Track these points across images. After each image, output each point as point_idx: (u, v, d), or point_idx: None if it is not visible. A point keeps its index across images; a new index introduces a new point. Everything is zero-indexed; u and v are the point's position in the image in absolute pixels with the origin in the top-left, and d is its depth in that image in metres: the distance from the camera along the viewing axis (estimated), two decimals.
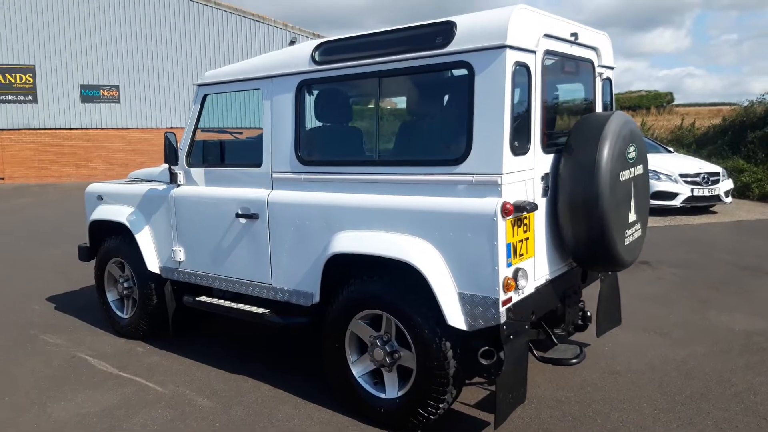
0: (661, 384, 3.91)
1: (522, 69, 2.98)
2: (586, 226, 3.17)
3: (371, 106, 3.46)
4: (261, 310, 4.00)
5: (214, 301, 4.29)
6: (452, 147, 3.10)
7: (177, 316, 4.72)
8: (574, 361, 3.22)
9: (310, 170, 3.64)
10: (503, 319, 2.93)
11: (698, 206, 11.14)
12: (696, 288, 6.21)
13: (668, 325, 5.06)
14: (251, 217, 3.90)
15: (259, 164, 3.92)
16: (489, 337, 3.12)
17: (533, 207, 2.97)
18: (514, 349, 3.04)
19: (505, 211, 2.87)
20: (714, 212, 11.31)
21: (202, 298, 4.38)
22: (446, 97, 3.44)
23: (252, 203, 3.91)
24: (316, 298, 3.61)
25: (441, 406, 3.20)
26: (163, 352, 4.69)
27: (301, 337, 4.83)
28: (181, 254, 4.44)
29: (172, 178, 4.40)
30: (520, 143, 3.00)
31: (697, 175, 10.88)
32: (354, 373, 3.52)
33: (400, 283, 3.24)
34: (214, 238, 4.18)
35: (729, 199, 11.34)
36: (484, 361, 3.06)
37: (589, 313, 3.66)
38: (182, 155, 4.36)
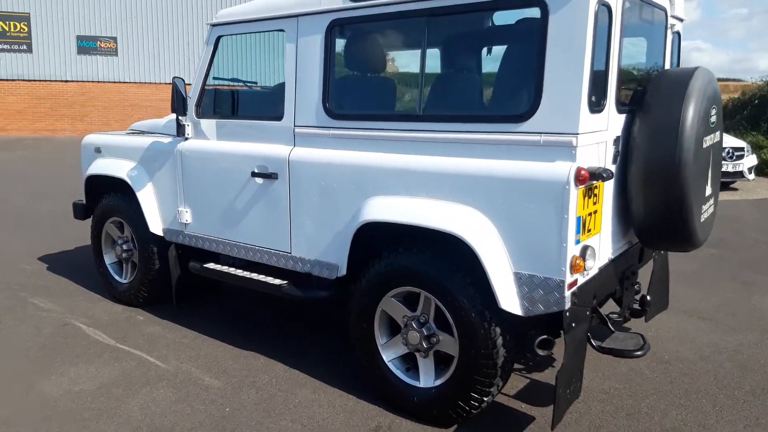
0: (717, 376, 3.53)
1: (604, 9, 2.50)
2: (662, 198, 2.73)
3: (416, 51, 2.97)
4: (278, 281, 3.57)
5: (224, 269, 3.86)
6: (515, 100, 2.65)
7: (181, 284, 4.29)
8: (638, 353, 2.83)
9: (340, 125, 3.17)
10: (568, 305, 2.52)
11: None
12: (734, 269, 5.81)
13: (711, 310, 4.67)
14: (269, 176, 3.45)
15: (279, 117, 3.44)
16: (545, 323, 2.73)
17: (609, 174, 2.52)
18: (574, 338, 2.64)
19: (580, 179, 2.43)
20: (735, 189, 10.89)
21: (211, 265, 3.96)
22: (510, 41, 2.96)
23: (270, 161, 3.45)
24: (343, 271, 3.18)
25: (485, 399, 2.81)
26: (165, 322, 4.28)
27: (317, 312, 4.42)
28: (187, 215, 3.99)
29: (180, 131, 3.92)
30: (597, 98, 2.54)
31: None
32: (384, 357, 3.12)
33: (444, 259, 2.81)
34: (226, 199, 3.73)
35: (752, 176, 10.91)
36: (541, 352, 2.66)
37: (649, 298, 3.26)
38: (191, 105, 3.88)
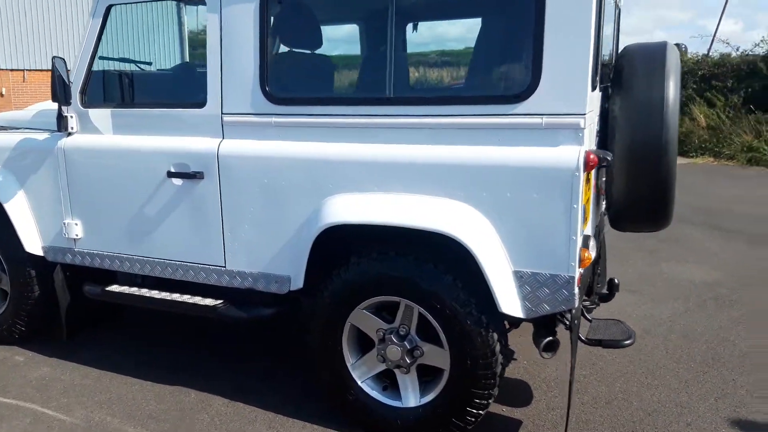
0: (668, 350, 3.58)
1: None
2: (647, 179, 2.60)
3: (381, 20, 2.55)
4: (210, 302, 3.00)
5: (138, 291, 3.18)
6: (508, 78, 2.35)
7: (71, 312, 3.51)
8: (628, 342, 2.70)
9: (285, 111, 2.67)
10: (577, 303, 2.29)
11: None
12: (637, 238, 6.10)
13: (633, 281, 4.81)
14: (191, 176, 2.85)
15: (201, 104, 2.85)
16: (541, 324, 2.50)
17: (611, 159, 2.32)
18: (576, 337, 2.43)
19: (590, 164, 2.19)
20: None
21: (117, 288, 3.25)
22: (499, 9, 2.63)
23: (192, 158, 2.85)
24: (299, 283, 2.71)
25: (482, 411, 2.53)
26: (54, 362, 3.49)
27: (246, 330, 3.85)
28: (77, 229, 3.24)
29: (61, 124, 3.14)
30: (594, 73, 2.31)
31: None
32: (356, 378, 2.71)
33: (428, 262, 2.46)
34: (132, 207, 3.06)
35: None
36: (546, 356, 2.42)
37: (616, 281, 3.17)
38: (74, 92, 3.11)
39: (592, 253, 2.35)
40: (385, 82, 2.54)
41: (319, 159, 2.58)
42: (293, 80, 2.84)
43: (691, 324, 3.94)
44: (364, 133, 2.52)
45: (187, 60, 17.45)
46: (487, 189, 2.31)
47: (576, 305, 2.28)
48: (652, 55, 2.66)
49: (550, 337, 2.40)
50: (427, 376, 2.65)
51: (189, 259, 2.99)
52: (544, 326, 2.48)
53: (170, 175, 2.90)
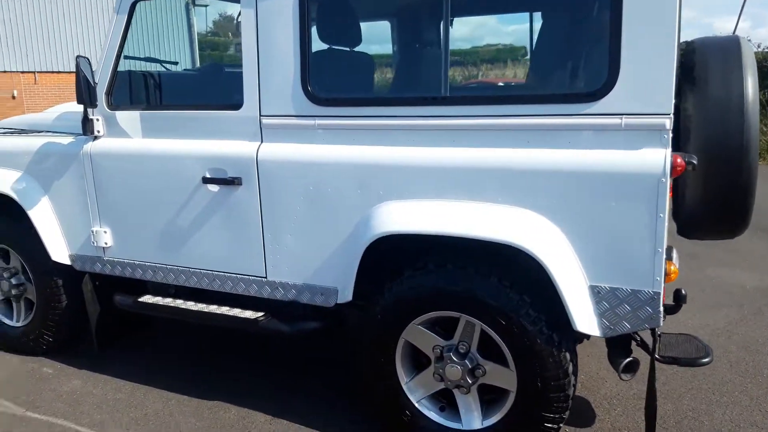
0: (731, 363, 3.35)
1: None
2: (728, 183, 2.37)
3: (435, 15, 2.34)
4: (251, 314, 2.82)
5: (173, 303, 3.01)
6: (581, 75, 2.14)
7: (103, 323, 3.35)
8: (705, 360, 2.49)
9: (330, 113, 2.47)
10: (662, 321, 2.09)
11: None
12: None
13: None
14: (229, 182, 2.67)
15: (237, 105, 2.66)
16: (617, 343, 2.30)
17: (696, 163, 2.11)
18: (654, 356, 2.23)
19: (677, 169, 1.98)
20: None
21: (150, 299, 3.08)
22: (571, 2, 2.41)
23: (229, 163, 2.67)
24: (348, 296, 2.52)
25: None
26: (85, 374, 3.34)
27: (283, 344, 3.67)
28: (106, 237, 3.07)
29: (87, 127, 2.97)
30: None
31: None
32: (411, 398, 2.53)
33: (492, 275, 2.26)
34: (164, 214, 2.89)
35: None
36: (626, 377, 2.22)
37: (683, 291, 2.95)
38: (100, 93, 2.93)
39: (676, 266, 2.14)
40: (440, 81, 2.33)
41: (370, 164, 2.39)
42: (337, 80, 2.64)
43: (750, 333, 3.71)
44: (417, 136, 2.32)
45: (197, 61, 17.33)
46: (560, 196, 2.10)
47: (661, 324, 2.07)
48: (727, 49, 2.42)
49: (630, 358, 2.19)
50: (488, 394, 2.46)
51: (227, 269, 2.81)
52: (620, 345, 2.28)
53: (206, 181, 2.72)
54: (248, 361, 3.45)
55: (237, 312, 2.85)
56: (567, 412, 2.29)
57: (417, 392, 2.53)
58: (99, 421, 2.89)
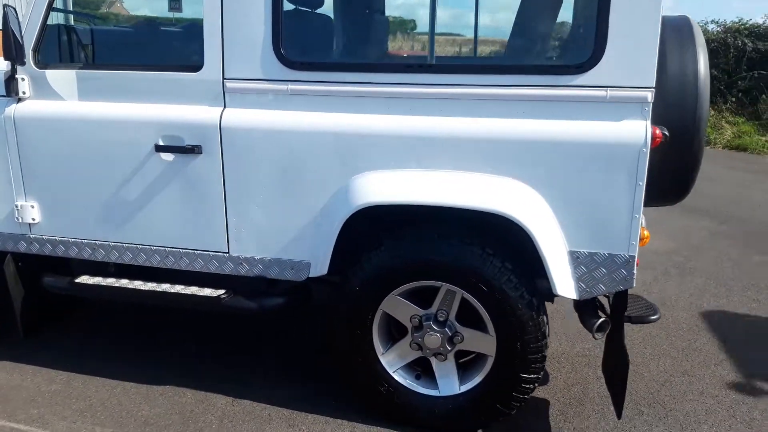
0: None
1: None
2: (677, 156, 2.56)
3: None
4: (212, 292, 2.66)
5: (118, 283, 2.76)
6: (569, 47, 2.20)
7: (28, 307, 3.02)
8: (654, 317, 2.70)
9: (303, 78, 2.35)
10: (635, 283, 2.23)
11: None
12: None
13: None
14: (186, 151, 2.48)
15: (196, 67, 2.46)
16: (589, 305, 2.44)
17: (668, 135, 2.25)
18: (624, 316, 2.39)
19: (656, 140, 2.11)
20: None
21: (88, 280, 2.81)
22: None
23: (187, 129, 2.48)
24: (323, 269, 2.45)
25: (527, 396, 2.44)
26: (10, 366, 3.01)
27: (230, 319, 3.51)
28: (33, 212, 2.76)
29: (11, 87, 2.62)
30: None
31: None
32: (388, 368, 2.52)
33: (475, 243, 2.30)
34: (106, 186, 2.64)
35: None
36: (599, 336, 2.36)
37: None
38: (27, 50, 2.59)
39: (648, 231, 2.29)
40: (426, 48, 2.30)
41: (350, 132, 2.32)
42: (314, 42, 2.52)
43: (664, 292, 4.07)
44: (400, 104, 2.28)
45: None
46: (544, 165, 2.17)
47: (634, 285, 2.22)
48: (681, 28, 2.59)
49: (603, 318, 2.33)
50: (463, 359, 2.52)
51: (182, 245, 2.63)
52: (591, 308, 2.41)
53: (159, 149, 2.51)
54: (195, 339, 3.27)
55: (195, 290, 2.68)
56: (542, 372, 2.40)
57: (393, 363, 2.54)
58: (37, 416, 2.62)
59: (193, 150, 2.47)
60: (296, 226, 2.47)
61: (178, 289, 2.69)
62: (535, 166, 2.17)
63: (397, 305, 2.45)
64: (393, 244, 2.37)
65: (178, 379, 2.89)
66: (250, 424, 2.58)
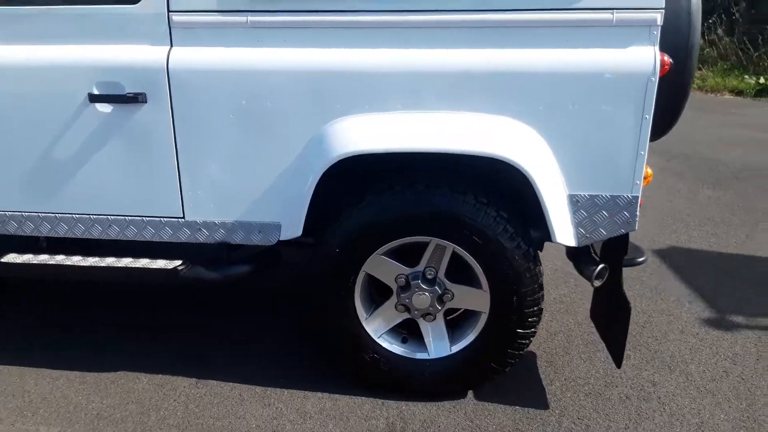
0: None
1: None
2: (670, 82, 2.43)
3: None
4: (166, 264, 2.33)
5: (54, 260, 2.37)
6: None
7: None
8: (641, 259, 2.61)
9: (268, 7, 2.02)
10: (637, 225, 2.10)
11: None
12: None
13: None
14: (128, 100, 2.11)
15: None
16: (584, 252, 2.31)
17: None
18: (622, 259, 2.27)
19: (664, 68, 1.95)
20: None
21: (16, 258, 2.40)
22: None
23: (127, 74, 2.10)
24: (296, 230, 2.18)
25: (522, 351, 2.30)
26: None
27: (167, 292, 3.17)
28: None
29: None
30: None
31: None
32: (372, 334, 2.31)
33: (467, 192, 2.09)
34: (27, 147, 2.23)
35: None
36: (598, 283, 2.23)
37: None
38: None
39: (650, 169, 2.16)
40: None
41: (324, 70, 2.02)
42: None
43: None
44: (384, 36, 2.00)
45: None
46: (544, 100, 1.96)
47: (636, 228, 2.09)
48: None
49: (602, 265, 2.20)
50: (448, 316, 2.35)
51: (128, 212, 2.28)
52: (587, 255, 2.28)
53: (93, 99, 2.12)
54: (144, 318, 2.93)
55: (146, 263, 2.34)
56: (538, 325, 2.26)
57: (378, 328, 2.33)
58: None
59: (136, 99, 2.10)
60: (263, 183, 2.18)
61: (126, 262, 2.34)
62: (535, 101, 1.97)
63: (382, 265, 2.23)
64: (377, 198, 2.12)
65: (130, 364, 2.56)
66: (220, 407, 2.32)
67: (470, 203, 2.07)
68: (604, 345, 2.65)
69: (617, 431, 2.19)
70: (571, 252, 2.36)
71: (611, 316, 2.29)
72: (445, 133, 1.98)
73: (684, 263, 3.54)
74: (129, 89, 2.10)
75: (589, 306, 2.96)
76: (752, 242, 3.86)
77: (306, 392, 2.39)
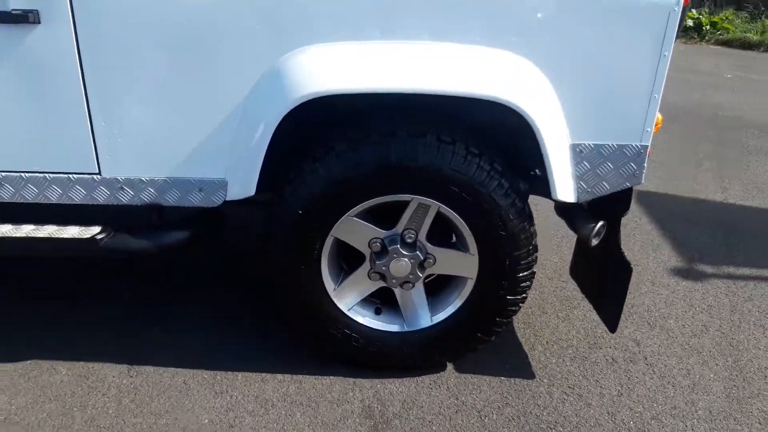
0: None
1: None
2: None
3: None
4: (81, 232, 1.87)
5: None
6: None
7: None
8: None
9: None
10: (644, 177, 1.87)
11: None
12: None
13: None
14: (17, 20, 1.59)
15: None
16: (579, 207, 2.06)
17: None
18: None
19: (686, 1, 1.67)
20: None
21: None
22: None
23: None
24: (249, 189, 1.79)
25: (510, 319, 2.06)
26: None
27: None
28: None
29: None
30: None
31: None
32: (342, 307, 1.99)
33: (458, 142, 1.76)
34: None
35: None
36: (596, 241, 1.99)
37: None
38: None
39: (660, 115, 1.90)
40: None
41: None
42: None
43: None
44: None
45: None
46: (549, 32, 1.64)
47: (642, 181, 1.85)
48: None
49: (601, 222, 1.96)
50: (433, 288, 2.07)
51: (24, 167, 1.78)
52: (583, 211, 2.03)
53: None
54: (57, 296, 2.45)
55: (52, 232, 1.86)
56: (529, 291, 2.02)
57: (347, 299, 2.00)
58: None
59: (27, 18, 1.58)
60: (202, 129, 1.75)
61: (27, 231, 1.86)
62: (539, 33, 1.64)
63: (353, 228, 1.88)
64: (349, 149, 1.75)
65: (45, 352, 2.12)
66: (162, 399, 1.94)
67: (460, 155, 1.75)
68: (579, 301, 2.49)
69: (611, 398, 2.03)
70: (563, 208, 2.11)
71: (604, 277, 2.09)
72: (438, 71, 1.62)
73: (637, 208, 3.43)
74: (15, 4, 1.57)
75: (558, 259, 2.79)
76: (698, 185, 3.83)
77: (264, 375, 2.05)
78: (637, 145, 1.79)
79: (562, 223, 2.16)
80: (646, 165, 1.82)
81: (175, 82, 1.68)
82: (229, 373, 2.05)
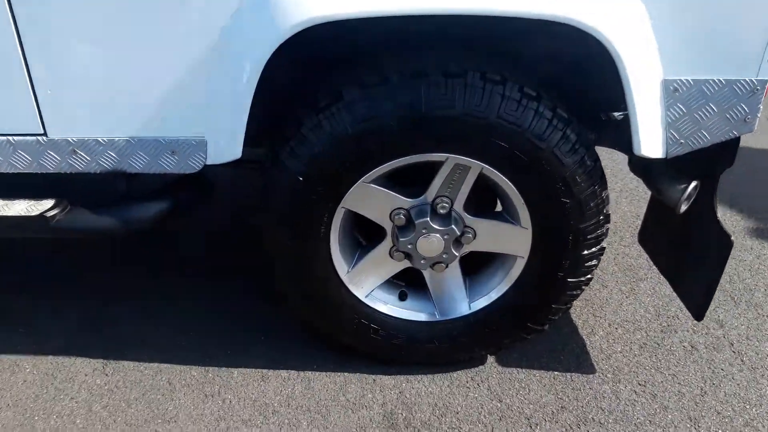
0: None
1: None
2: None
3: None
4: (30, 208, 1.48)
5: None
6: None
7: None
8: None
9: None
10: (755, 127, 1.40)
11: None
12: None
13: None
14: None
15: None
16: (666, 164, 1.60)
17: None
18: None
19: None
20: None
21: None
22: None
23: None
24: (234, 150, 1.37)
25: (570, 304, 1.65)
26: None
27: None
28: None
29: None
30: None
31: None
32: (356, 293, 1.60)
33: (510, 82, 1.31)
34: None
35: None
36: (685, 206, 1.55)
37: None
38: None
39: None
40: None
41: None
42: None
43: None
44: None
45: None
46: None
47: (755, 128, 1.39)
48: None
49: (695, 182, 1.51)
50: (470, 268, 1.66)
51: None
52: (669, 167, 1.57)
53: None
54: (13, 272, 2.10)
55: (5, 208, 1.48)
56: (594, 271, 1.60)
57: (365, 284, 1.61)
58: None
59: None
60: (170, 74, 1.31)
61: None
62: None
63: (370, 197, 1.46)
64: (363, 95, 1.31)
65: (10, 346, 1.78)
66: (140, 405, 1.60)
67: (512, 98, 1.30)
68: (647, 271, 2.07)
69: (692, 399, 1.64)
70: (640, 163, 1.66)
71: (688, 250, 1.65)
72: None
73: None
74: None
75: (617, 218, 2.36)
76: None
77: (265, 372, 1.70)
78: (752, 80, 1.32)
79: (617, 166, 1.71)
80: (761, 107, 1.36)
81: (131, 13, 1.24)
82: (223, 369, 1.70)
